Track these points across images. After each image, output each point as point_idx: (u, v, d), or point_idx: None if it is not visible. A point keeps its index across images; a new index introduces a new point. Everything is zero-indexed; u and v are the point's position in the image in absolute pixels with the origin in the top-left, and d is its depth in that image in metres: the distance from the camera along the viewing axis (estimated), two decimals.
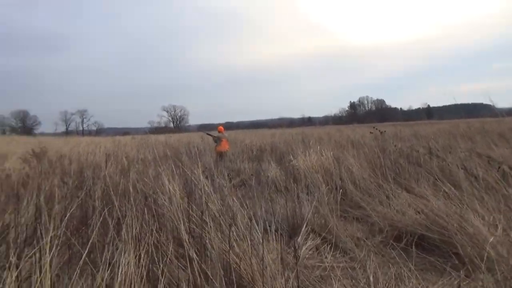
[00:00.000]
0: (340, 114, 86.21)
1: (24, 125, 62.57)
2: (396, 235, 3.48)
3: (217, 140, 8.99)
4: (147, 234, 2.16)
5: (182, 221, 2.37)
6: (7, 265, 1.58)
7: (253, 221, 3.07)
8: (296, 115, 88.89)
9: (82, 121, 72.21)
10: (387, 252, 3.28)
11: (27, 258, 1.78)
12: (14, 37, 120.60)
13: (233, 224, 2.75)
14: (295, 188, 4.63)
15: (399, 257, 3.19)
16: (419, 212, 3.48)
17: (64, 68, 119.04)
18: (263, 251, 2.54)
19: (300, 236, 3.37)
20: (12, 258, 1.55)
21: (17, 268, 1.57)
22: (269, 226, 3.80)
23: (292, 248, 3.23)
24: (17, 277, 1.54)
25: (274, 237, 3.17)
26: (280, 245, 2.96)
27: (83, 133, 67.07)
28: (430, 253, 3.14)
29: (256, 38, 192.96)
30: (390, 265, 2.96)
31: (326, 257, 3.18)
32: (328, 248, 3.37)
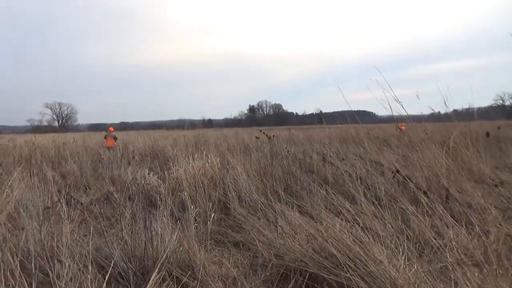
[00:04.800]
0: (239, 117, 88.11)
1: None
2: (282, 273, 2.60)
3: (106, 137, 11.76)
4: None
5: None
6: None
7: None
8: (197, 117, 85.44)
9: None
10: None
11: None
12: None
13: None
14: (162, 208, 3.39)
15: None
16: (310, 240, 2.66)
17: None
18: None
19: None
20: None
21: None
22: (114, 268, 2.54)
23: None
24: None
25: None
26: None
27: None
28: None
29: (153, 37, 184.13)
30: None
31: None
32: None
